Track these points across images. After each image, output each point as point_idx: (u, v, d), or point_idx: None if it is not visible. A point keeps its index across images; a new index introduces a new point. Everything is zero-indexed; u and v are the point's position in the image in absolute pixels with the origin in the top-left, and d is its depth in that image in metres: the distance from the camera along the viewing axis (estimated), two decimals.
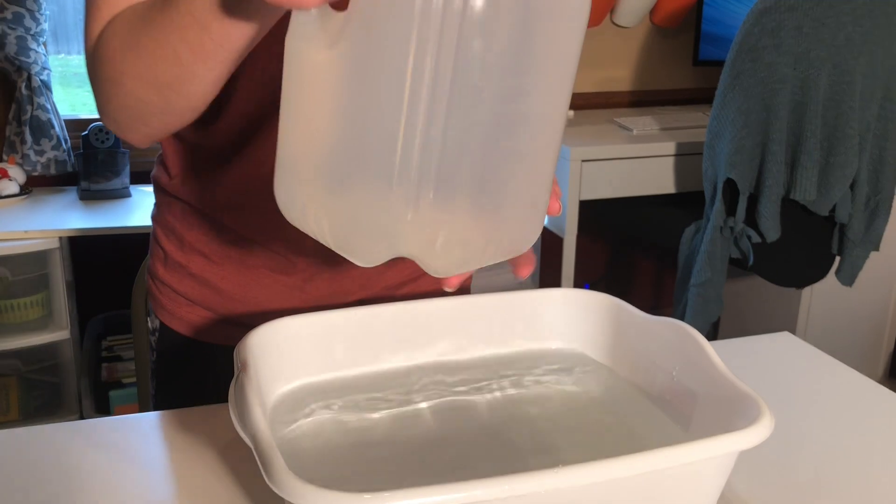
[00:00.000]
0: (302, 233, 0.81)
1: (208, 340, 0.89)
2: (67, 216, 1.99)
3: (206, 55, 0.63)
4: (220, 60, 0.66)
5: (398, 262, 0.89)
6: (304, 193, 0.53)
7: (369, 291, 0.90)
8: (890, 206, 1.97)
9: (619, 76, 2.72)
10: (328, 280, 0.88)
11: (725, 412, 0.61)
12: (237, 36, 0.61)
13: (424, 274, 0.90)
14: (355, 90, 0.48)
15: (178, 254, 0.88)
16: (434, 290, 0.94)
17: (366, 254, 0.55)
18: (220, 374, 0.87)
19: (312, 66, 0.48)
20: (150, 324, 0.94)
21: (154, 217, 0.92)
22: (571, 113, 2.52)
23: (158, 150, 0.91)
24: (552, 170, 0.55)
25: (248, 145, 0.80)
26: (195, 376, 0.91)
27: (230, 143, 0.81)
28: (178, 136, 0.86)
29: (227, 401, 0.78)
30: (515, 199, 0.53)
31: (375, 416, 0.71)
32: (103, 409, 2.06)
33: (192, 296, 0.89)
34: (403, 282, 0.93)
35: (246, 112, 0.79)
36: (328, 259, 0.87)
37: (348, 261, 0.81)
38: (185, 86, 0.69)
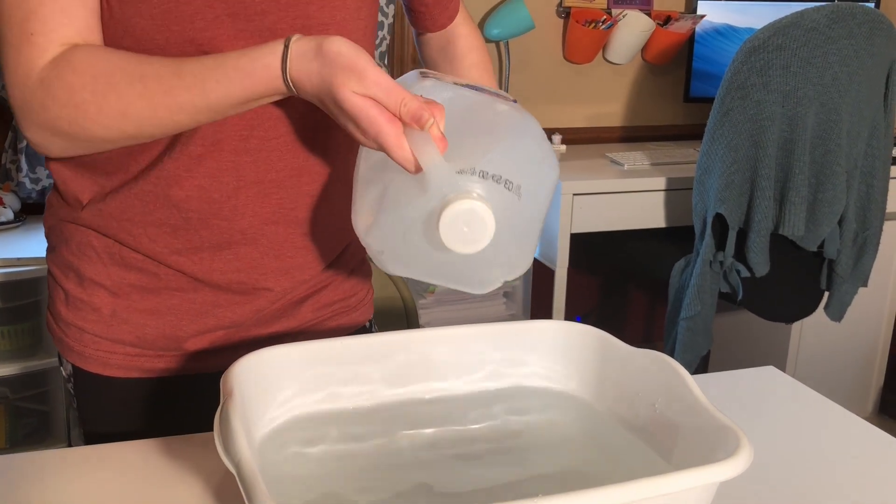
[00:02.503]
0: (210, 248, 0.83)
1: (123, 376, 0.86)
2: None
3: (219, 114, 0.72)
4: (221, 117, 0.74)
5: (307, 276, 0.88)
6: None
7: (284, 301, 0.88)
8: (878, 243, 1.99)
9: (611, 112, 2.75)
10: (242, 293, 0.85)
11: (706, 444, 0.61)
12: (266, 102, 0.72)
13: (325, 287, 0.91)
14: None
15: (78, 290, 0.84)
16: (336, 300, 0.94)
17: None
18: (150, 407, 0.85)
19: None
20: (63, 372, 0.89)
21: (49, 259, 0.88)
22: (564, 147, 2.55)
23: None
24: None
25: (164, 161, 0.79)
26: (121, 415, 0.87)
27: (146, 161, 0.80)
28: (84, 160, 0.82)
29: (150, 437, 0.78)
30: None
31: (358, 446, 0.71)
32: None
33: (99, 331, 0.84)
34: (308, 294, 0.91)
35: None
36: (237, 274, 0.83)
37: (257, 276, 0.86)
38: (160, 131, 0.75)
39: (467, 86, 0.70)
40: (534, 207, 0.67)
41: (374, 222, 0.65)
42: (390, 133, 0.62)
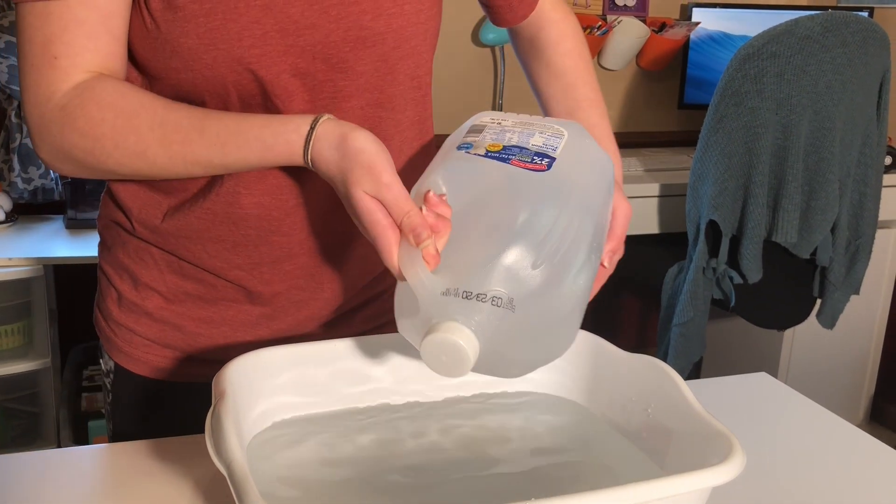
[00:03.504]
0: (269, 262, 0.82)
1: (168, 379, 0.86)
2: (53, 244, 1.99)
3: (241, 168, 0.72)
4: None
5: (359, 286, 0.88)
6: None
7: (337, 313, 0.88)
8: (870, 251, 1.99)
9: None
10: (296, 305, 0.85)
11: (699, 449, 0.61)
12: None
13: (378, 298, 0.91)
14: None
15: (132, 293, 0.84)
16: (388, 309, 0.91)
17: None
18: (182, 412, 0.84)
19: None
20: (103, 365, 0.90)
21: (102, 256, 0.89)
22: None
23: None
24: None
25: (224, 179, 0.78)
26: (154, 416, 0.87)
27: (205, 180, 0.79)
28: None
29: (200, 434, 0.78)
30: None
31: (350, 449, 0.71)
32: (82, 439, 2.03)
33: (151, 335, 0.85)
34: (361, 304, 0.90)
35: None
36: (294, 285, 0.84)
37: (313, 286, 0.86)
38: (173, 176, 0.75)
39: (517, 146, 0.65)
40: (554, 302, 0.61)
41: (398, 318, 0.65)
42: (385, 241, 0.63)
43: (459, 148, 0.66)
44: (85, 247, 1.97)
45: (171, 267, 0.83)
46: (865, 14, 2.53)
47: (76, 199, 2.14)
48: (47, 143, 0.73)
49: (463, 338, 0.58)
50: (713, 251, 1.93)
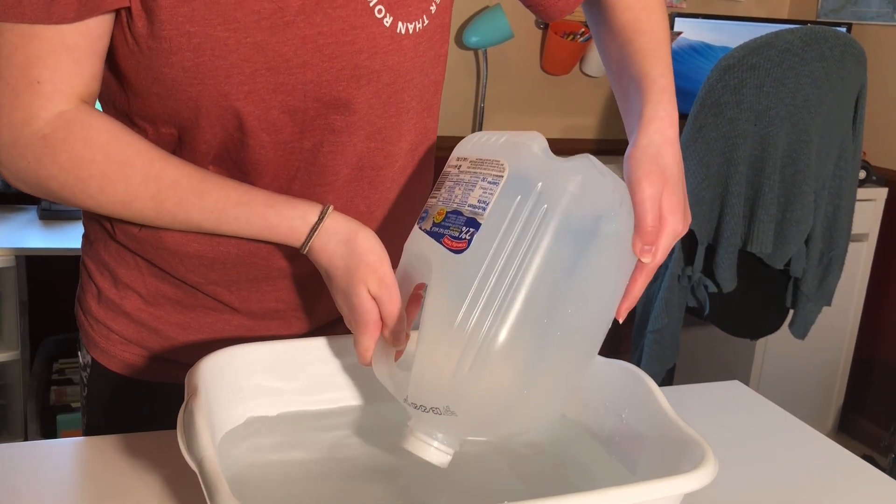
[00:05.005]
0: (247, 281, 0.80)
1: (143, 378, 0.85)
2: (25, 235, 1.96)
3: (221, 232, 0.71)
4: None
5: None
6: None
7: (316, 325, 0.88)
8: (842, 263, 2.02)
9: (586, 124, 2.77)
10: (276, 320, 0.84)
11: (672, 455, 0.62)
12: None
13: None
14: None
15: (111, 291, 0.83)
16: None
17: None
18: (156, 411, 0.84)
19: None
20: (80, 358, 0.89)
21: (85, 251, 0.87)
22: None
23: None
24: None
25: None
26: (129, 413, 0.87)
27: None
28: None
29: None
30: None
31: (324, 447, 0.71)
32: (50, 433, 2.00)
33: (128, 335, 0.84)
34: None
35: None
36: (272, 305, 0.83)
37: (293, 306, 0.81)
38: (153, 225, 0.72)
39: (455, 212, 0.62)
40: (502, 395, 0.60)
41: (374, 365, 0.68)
42: (368, 338, 0.66)
43: (421, 217, 0.66)
44: (58, 238, 1.95)
45: (152, 270, 0.82)
46: (844, 30, 2.57)
47: None
48: (16, 166, 0.68)
49: (429, 454, 0.62)
50: (689, 259, 1.94)
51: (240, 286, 0.81)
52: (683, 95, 2.62)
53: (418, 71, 0.76)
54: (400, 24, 0.71)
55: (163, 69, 0.67)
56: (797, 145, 1.83)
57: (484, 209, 0.60)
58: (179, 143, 0.74)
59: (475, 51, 2.52)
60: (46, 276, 2.21)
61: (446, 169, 0.67)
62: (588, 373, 0.65)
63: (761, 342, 2.44)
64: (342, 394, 0.75)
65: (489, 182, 0.61)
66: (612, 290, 0.63)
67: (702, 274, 1.93)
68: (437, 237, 0.62)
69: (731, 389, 1.00)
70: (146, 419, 0.84)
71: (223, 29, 0.65)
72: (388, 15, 0.70)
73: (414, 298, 0.67)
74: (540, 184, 0.59)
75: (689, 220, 0.68)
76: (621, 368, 0.71)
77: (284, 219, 0.68)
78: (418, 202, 0.86)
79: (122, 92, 0.73)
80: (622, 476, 0.67)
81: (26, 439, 1.99)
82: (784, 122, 1.81)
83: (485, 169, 0.63)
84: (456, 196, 0.63)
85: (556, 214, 0.58)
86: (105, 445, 0.77)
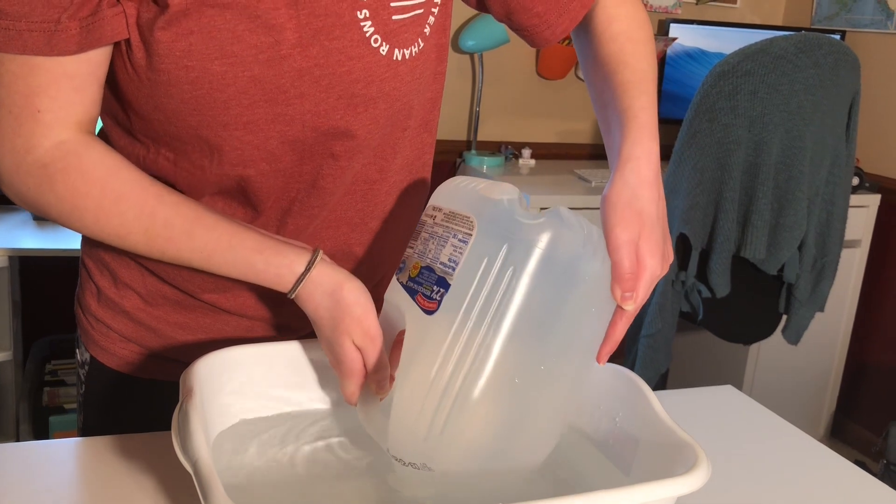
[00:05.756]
0: (240, 289, 0.81)
1: (142, 376, 0.86)
2: (19, 235, 1.96)
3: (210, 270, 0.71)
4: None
5: None
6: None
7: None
8: (835, 269, 2.02)
9: (581, 129, 2.78)
10: (274, 324, 0.85)
11: (665, 459, 0.62)
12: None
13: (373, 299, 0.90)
14: None
15: (111, 290, 0.84)
16: None
17: None
18: (153, 408, 0.84)
19: None
20: (79, 356, 0.90)
21: (85, 250, 0.87)
22: (533, 162, 2.57)
23: None
24: None
25: None
26: (126, 411, 0.87)
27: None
28: None
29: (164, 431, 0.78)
30: None
31: (317, 447, 0.71)
32: (42, 434, 2.00)
33: (127, 333, 0.84)
34: None
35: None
36: (268, 311, 0.83)
37: (290, 312, 0.83)
38: (144, 256, 0.72)
39: (427, 268, 0.64)
40: (473, 447, 0.61)
41: (359, 409, 0.71)
42: (353, 385, 0.68)
43: (399, 268, 0.67)
44: (52, 239, 1.95)
45: (152, 269, 0.82)
46: (837, 37, 2.58)
47: None
48: (18, 190, 0.70)
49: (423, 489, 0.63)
50: (682, 264, 1.95)
51: (235, 293, 0.81)
52: (678, 101, 2.64)
53: (416, 93, 0.77)
54: (396, 51, 0.72)
55: (161, 99, 0.68)
56: (791, 151, 1.84)
57: (453, 269, 0.61)
58: (178, 167, 0.74)
59: (471, 55, 2.53)
60: (40, 277, 2.20)
61: (423, 217, 0.68)
62: (569, 416, 0.67)
63: (754, 347, 2.45)
64: (336, 395, 0.75)
65: (459, 240, 0.62)
66: (590, 337, 0.64)
67: (695, 279, 1.94)
68: (412, 293, 0.64)
69: (725, 394, 1.01)
70: (144, 417, 0.84)
71: (221, 63, 0.65)
72: (384, 44, 0.71)
73: (397, 344, 0.68)
74: (505, 246, 0.59)
75: (671, 258, 0.67)
76: (616, 372, 0.72)
77: (272, 266, 0.69)
78: (412, 213, 0.86)
79: (125, 113, 0.74)
80: (616, 479, 0.67)
81: (17, 440, 1.98)
82: (778, 129, 1.82)
83: (456, 224, 0.63)
84: (429, 250, 0.64)
85: (523, 276, 0.58)
86: (100, 446, 0.77)
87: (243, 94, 0.67)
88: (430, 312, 0.61)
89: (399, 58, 0.72)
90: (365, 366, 0.68)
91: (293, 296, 0.69)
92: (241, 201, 0.76)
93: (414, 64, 0.74)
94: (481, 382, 0.58)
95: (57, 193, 0.69)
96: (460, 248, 0.61)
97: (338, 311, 0.67)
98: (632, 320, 0.64)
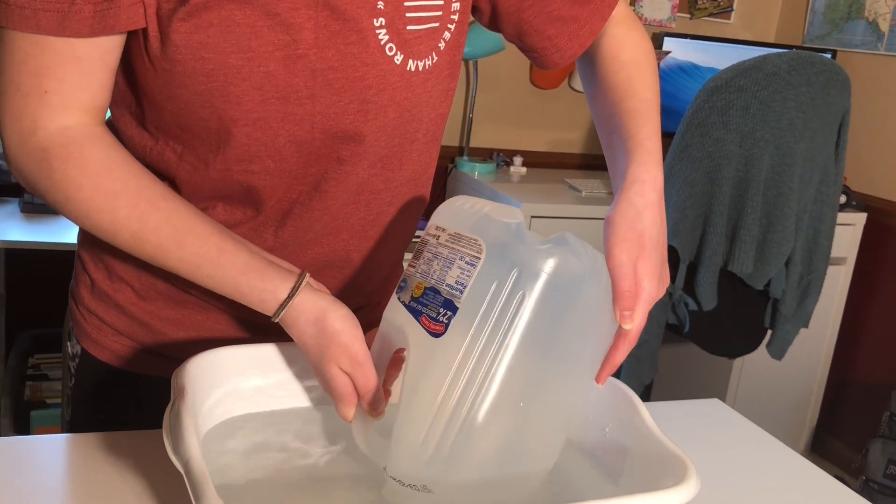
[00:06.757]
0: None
1: (133, 370, 0.85)
2: (5, 228, 1.94)
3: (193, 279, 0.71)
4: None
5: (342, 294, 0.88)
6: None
7: None
8: (821, 286, 2.04)
9: (573, 139, 2.79)
10: (264, 321, 0.85)
11: (654, 470, 0.62)
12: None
13: (366, 305, 0.90)
14: None
15: (105, 283, 0.84)
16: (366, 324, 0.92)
17: None
18: (142, 404, 0.84)
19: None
20: (70, 349, 0.89)
21: (80, 242, 0.88)
22: (524, 170, 2.57)
23: None
24: None
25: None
26: (115, 405, 0.87)
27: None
28: None
29: (149, 429, 0.77)
30: None
31: (309, 448, 0.71)
32: (23, 429, 1.98)
33: (119, 327, 0.84)
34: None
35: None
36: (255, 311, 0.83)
37: None
38: (132, 254, 0.72)
39: (432, 289, 0.63)
40: (474, 471, 0.61)
41: (353, 430, 0.70)
42: (346, 406, 0.67)
43: (400, 286, 0.67)
44: (40, 232, 1.93)
45: (147, 264, 0.80)
46: (829, 56, 2.61)
47: None
48: (19, 170, 0.71)
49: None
50: (670, 277, 1.96)
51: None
52: (670, 114, 2.65)
53: (426, 105, 0.77)
54: (410, 61, 0.73)
55: (176, 90, 0.69)
56: (781, 168, 1.86)
57: (461, 292, 0.61)
58: (182, 160, 0.74)
59: (465, 61, 2.54)
60: (25, 270, 2.18)
61: (424, 237, 0.67)
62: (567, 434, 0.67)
63: (738, 361, 2.46)
64: (327, 395, 0.75)
65: (466, 262, 0.62)
66: (591, 359, 0.65)
67: (683, 292, 1.95)
68: (416, 314, 0.63)
69: (711, 407, 1.01)
70: (132, 412, 0.84)
71: (237, 58, 0.66)
72: (398, 53, 0.72)
73: (394, 362, 0.68)
74: (515, 270, 0.59)
75: (668, 281, 0.68)
76: (606, 383, 0.72)
77: (255, 290, 0.69)
78: (411, 225, 0.87)
79: (138, 102, 0.74)
80: (606, 489, 0.67)
81: None
82: (769, 145, 1.83)
83: (462, 246, 0.63)
84: (434, 271, 0.64)
85: (531, 301, 0.59)
86: (87, 443, 0.76)
87: (256, 89, 0.68)
88: (436, 335, 0.61)
89: (413, 69, 0.73)
90: (357, 391, 0.67)
91: (277, 321, 0.69)
92: (242, 199, 0.76)
93: (427, 77, 0.75)
94: (488, 407, 0.58)
95: (53, 180, 0.69)
96: (468, 270, 0.61)
97: (323, 339, 0.67)
98: (633, 345, 0.65)
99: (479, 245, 0.61)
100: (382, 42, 0.71)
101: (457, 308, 0.61)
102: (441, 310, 0.61)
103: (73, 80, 0.67)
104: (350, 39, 0.69)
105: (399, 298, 0.66)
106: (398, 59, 0.72)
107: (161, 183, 0.72)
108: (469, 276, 0.61)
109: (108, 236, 0.71)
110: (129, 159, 0.71)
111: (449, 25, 0.76)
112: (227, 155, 0.72)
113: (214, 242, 0.69)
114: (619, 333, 0.65)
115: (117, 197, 0.69)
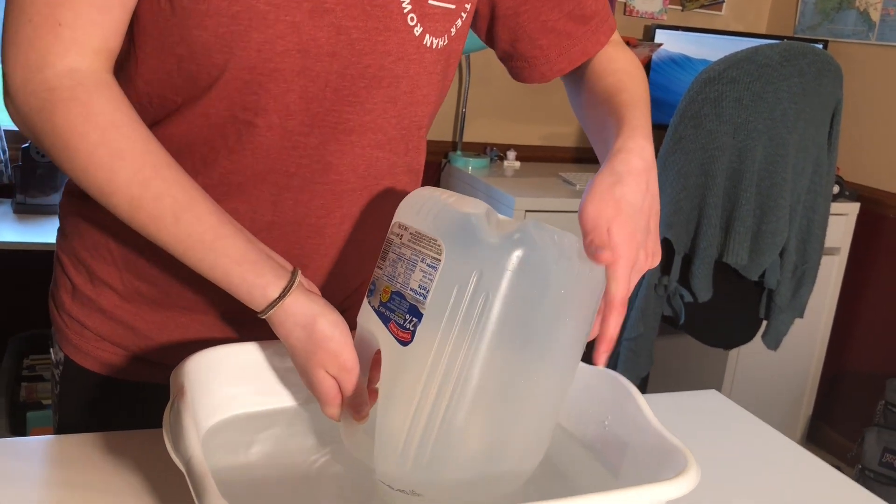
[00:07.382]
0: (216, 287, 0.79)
1: (117, 377, 0.84)
2: None
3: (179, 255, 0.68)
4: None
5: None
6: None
7: None
8: (815, 276, 2.05)
9: (566, 132, 2.79)
10: (250, 321, 0.83)
11: (654, 462, 0.62)
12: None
13: (350, 308, 0.89)
14: None
15: (87, 287, 0.82)
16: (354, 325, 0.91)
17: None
18: (128, 410, 0.83)
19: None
20: (53, 355, 0.87)
21: (60, 244, 0.85)
22: (518, 164, 2.57)
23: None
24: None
25: (197, 181, 0.74)
26: (101, 413, 0.85)
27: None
28: None
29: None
30: None
31: (309, 444, 0.71)
32: (19, 430, 1.98)
33: (103, 332, 0.82)
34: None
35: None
36: (243, 308, 0.81)
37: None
38: (125, 221, 0.69)
39: (398, 293, 0.62)
40: (463, 472, 0.61)
41: (343, 436, 0.70)
42: (332, 410, 0.67)
43: (370, 290, 0.66)
44: (33, 233, 1.93)
45: (129, 265, 0.80)
46: (820, 46, 2.61)
47: (26, 183, 2.09)
48: (18, 109, 0.67)
49: None
50: (665, 269, 1.96)
51: (207, 288, 0.78)
52: (663, 106, 2.65)
53: (432, 88, 0.78)
54: (427, 36, 0.74)
55: (193, 31, 0.67)
56: (774, 159, 1.86)
57: (424, 298, 0.60)
58: (179, 111, 0.72)
59: None
60: (18, 271, 2.18)
61: (389, 235, 0.66)
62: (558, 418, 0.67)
63: (734, 352, 2.47)
64: None
65: (428, 265, 0.60)
66: (569, 343, 0.63)
67: (678, 283, 1.95)
68: (385, 320, 0.63)
69: (709, 398, 1.01)
70: (119, 418, 0.83)
71: (265, 3, 0.66)
72: (418, 24, 0.73)
73: (375, 363, 0.67)
74: (475, 273, 0.58)
75: (658, 253, 0.66)
76: (605, 375, 0.72)
77: (245, 283, 0.67)
78: None
79: (132, 52, 0.71)
80: (605, 482, 0.67)
81: None
82: (762, 136, 1.84)
83: (423, 247, 0.61)
84: (399, 274, 0.63)
85: (497, 301, 0.57)
86: (80, 444, 0.76)
87: (279, 38, 0.67)
88: (404, 343, 0.60)
89: (428, 44, 0.74)
90: (342, 395, 0.67)
91: (264, 319, 0.68)
92: (237, 159, 0.73)
93: (437, 56, 0.76)
94: (464, 409, 0.58)
95: (54, 124, 0.65)
96: (430, 273, 0.60)
97: (311, 345, 0.66)
98: (622, 314, 0.63)
99: (439, 246, 0.60)
100: (405, 10, 0.72)
101: (422, 314, 0.59)
102: (407, 316, 0.60)
103: (89, 14, 0.64)
104: (376, 2, 0.70)
105: (370, 303, 0.65)
106: (418, 30, 0.73)
107: (165, 150, 0.68)
108: (431, 280, 0.59)
109: (100, 194, 0.67)
110: (136, 118, 0.67)
111: (462, 13, 0.77)
112: (233, 103, 0.69)
113: (211, 225, 0.67)
114: (607, 305, 0.63)
115: (122, 156, 0.65)
